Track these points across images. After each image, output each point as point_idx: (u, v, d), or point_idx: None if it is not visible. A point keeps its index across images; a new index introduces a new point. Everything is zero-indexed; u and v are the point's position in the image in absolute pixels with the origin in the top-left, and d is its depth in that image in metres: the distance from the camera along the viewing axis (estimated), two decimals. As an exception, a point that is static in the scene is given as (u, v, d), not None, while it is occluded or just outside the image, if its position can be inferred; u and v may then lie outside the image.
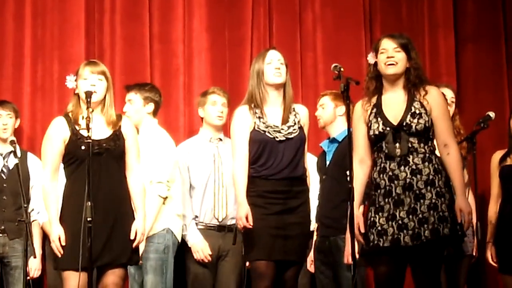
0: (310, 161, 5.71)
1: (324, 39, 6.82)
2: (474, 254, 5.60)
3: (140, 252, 5.16)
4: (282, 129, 4.88)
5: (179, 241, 5.57)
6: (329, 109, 5.56)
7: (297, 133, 4.91)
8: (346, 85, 4.51)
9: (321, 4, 6.87)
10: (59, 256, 4.59)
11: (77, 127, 4.69)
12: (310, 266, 5.66)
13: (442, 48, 7.00)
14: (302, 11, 6.84)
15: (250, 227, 4.78)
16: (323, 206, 5.38)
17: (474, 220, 5.45)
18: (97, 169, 4.59)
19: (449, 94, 5.73)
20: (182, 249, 5.59)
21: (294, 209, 4.83)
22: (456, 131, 5.60)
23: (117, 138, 4.75)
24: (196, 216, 5.64)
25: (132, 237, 4.66)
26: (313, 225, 5.76)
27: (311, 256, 5.63)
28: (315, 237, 5.56)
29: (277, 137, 4.85)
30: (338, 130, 5.51)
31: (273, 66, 4.90)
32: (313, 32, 6.83)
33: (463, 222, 4.47)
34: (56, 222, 4.61)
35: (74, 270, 4.50)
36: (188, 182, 5.67)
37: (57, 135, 4.71)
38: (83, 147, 4.61)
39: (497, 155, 5.72)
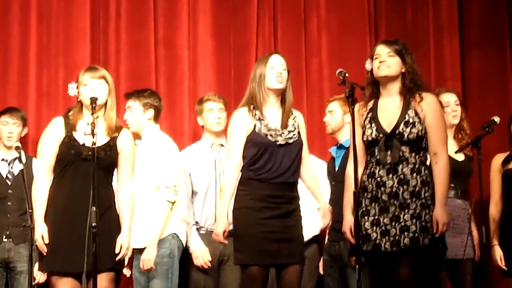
0: (318, 166, 5.71)
1: (329, 44, 6.82)
2: (476, 258, 5.58)
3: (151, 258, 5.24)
4: (282, 133, 4.82)
5: (184, 245, 5.57)
6: (337, 116, 5.56)
7: (296, 138, 4.85)
8: (351, 90, 4.50)
9: (326, 9, 6.87)
10: (44, 255, 4.68)
11: (73, 132, 4.73)
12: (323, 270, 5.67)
13: (447, 52, 6.99)
14: (307, 17, 6.85)
15: (226, 243, 4.80)
16: (334, 212, 5.37)
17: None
18: (83, 175, 4.60)
19: (452, 98, 5.72)
20: (184, 255, 5.59)
21: (290, 213, 4.79)
22: (464, 133, 5.63)
23: (109, 148, 4.79)
24: (197, 222, 5.65)
25: (117, 251, 4.72)
26: (317, 230, 5.77)
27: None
28: (325, 242, 5.58)
29: (277, 141, 4.80)
30: (346, 136, 5.49)
31: (276, 70, 4.84)
32: (318, 38, 6.83)
33: (437, 232, 4.43)
34: (41, 221, 4.68)
35: (60, 274, 4.60)
36: (190, 188, 5.69)
37: (53, 134, 4.77)
38: (72, 151, 4.67)
39: (498, 158, 5.73)
